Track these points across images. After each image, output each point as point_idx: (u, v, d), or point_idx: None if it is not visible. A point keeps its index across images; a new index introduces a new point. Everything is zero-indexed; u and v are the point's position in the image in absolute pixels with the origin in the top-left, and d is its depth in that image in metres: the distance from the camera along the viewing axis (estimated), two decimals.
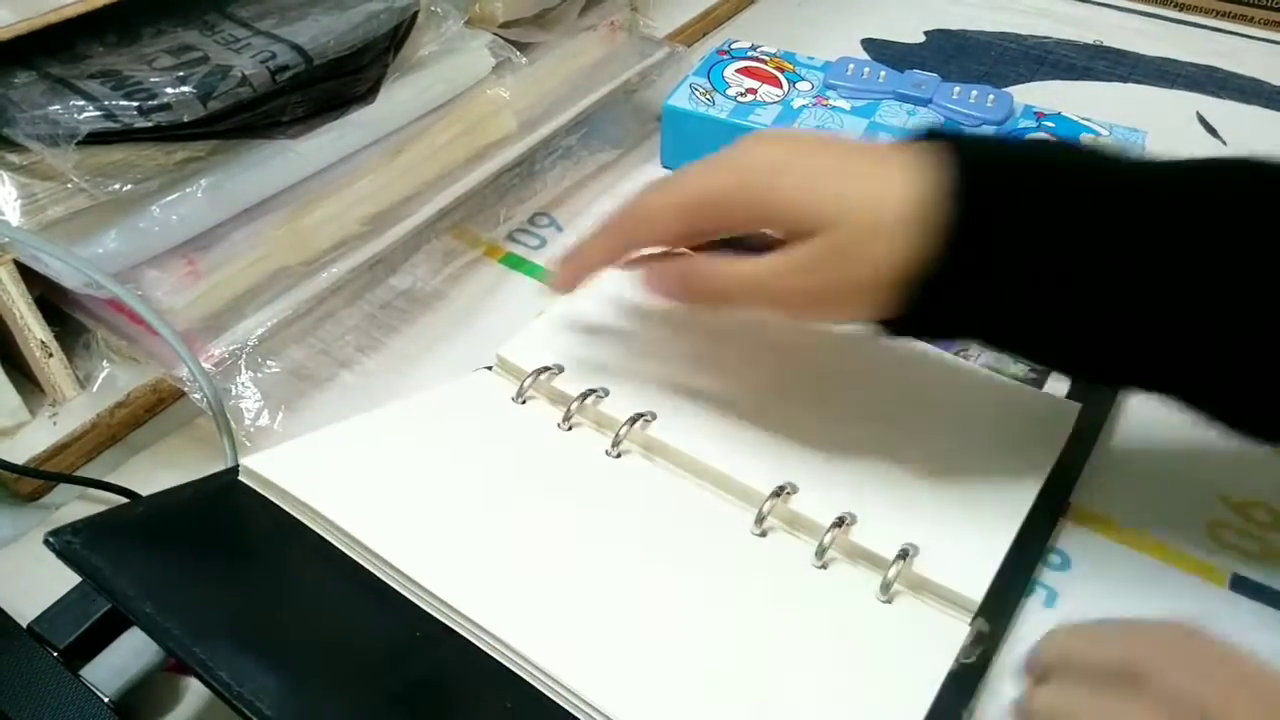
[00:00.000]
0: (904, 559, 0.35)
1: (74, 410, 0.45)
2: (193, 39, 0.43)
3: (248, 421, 0.44)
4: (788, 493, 0.38)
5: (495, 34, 0.54)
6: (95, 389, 0.45)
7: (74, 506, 0.43)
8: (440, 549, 0.34)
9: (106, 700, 0.34)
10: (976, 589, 0.35)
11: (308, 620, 0.31)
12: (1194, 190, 0.33)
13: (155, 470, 0.44)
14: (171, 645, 0.28)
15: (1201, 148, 0.40)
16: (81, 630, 0.36)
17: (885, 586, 0.35)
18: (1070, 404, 0.43)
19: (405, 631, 0.31)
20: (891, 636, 0.34)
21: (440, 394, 0.44)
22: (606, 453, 0.40)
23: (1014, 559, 0.37)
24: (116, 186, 0.39)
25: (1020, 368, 0.45)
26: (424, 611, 0.31)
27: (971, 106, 0.61)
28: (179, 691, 0.37)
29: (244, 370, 0.45)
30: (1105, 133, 0.59)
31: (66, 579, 0.37)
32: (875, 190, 0.32)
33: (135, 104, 0.38)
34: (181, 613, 0.29)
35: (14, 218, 0.38)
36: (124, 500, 0.42)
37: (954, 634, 0.34)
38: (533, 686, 0.30)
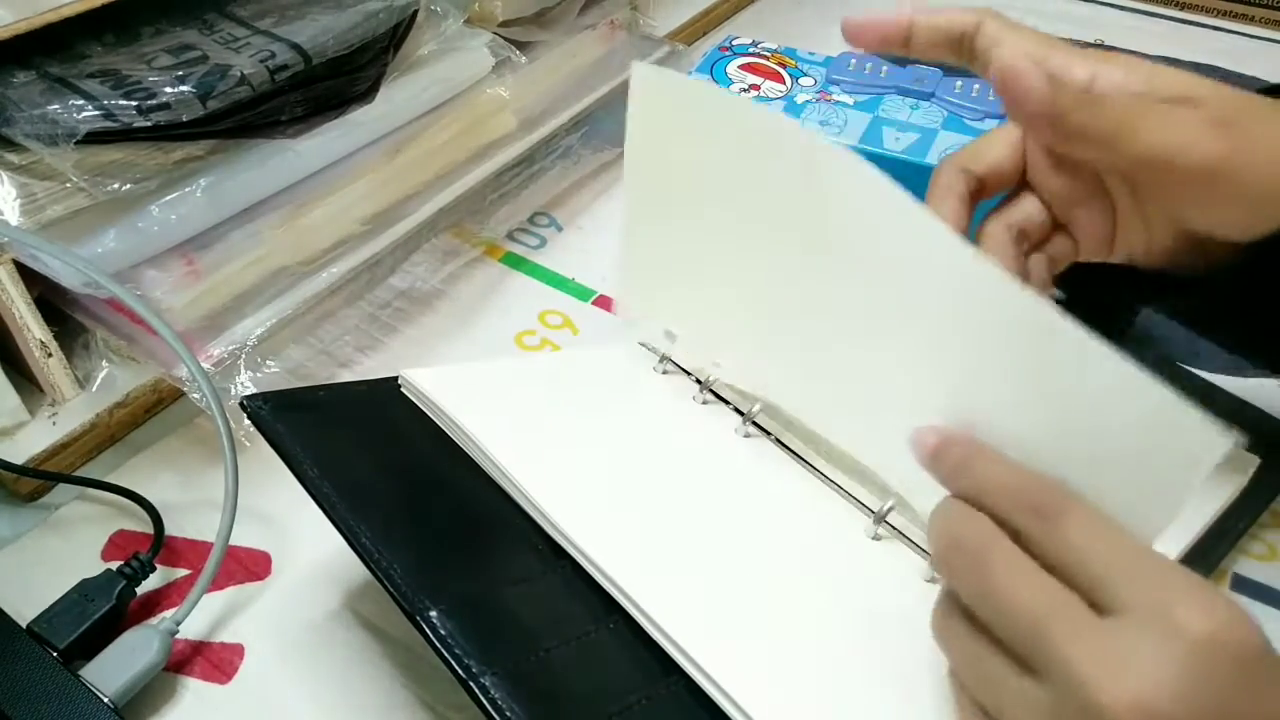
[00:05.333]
0: None
1: (73, 410, 0.45)
2: (192, 38, 0.43)
3: (247, 421, 0.44)
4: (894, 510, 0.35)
5: (495, 33, 0.54)
6: (95, 389, 0.45)
7: (74, 506, 0.43)
8: (563, 482, 0.35)
9: (106, 700, 0.34)
10: None
11: (446, 509, 0.35)
12: None
13: (155, 470, 0.44)
14: (327, 509, 0.32)
15: None
16: (81, 630, 0.36)
17: None
18: (1249, 456, 0.37)
19: (525, 539, 0.33)
20: None
21: (593, 354, 0.45)
22: (736, 430, 0.39)
23: None
24: (116, 186, 0.39)
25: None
26: (541, 528, 0.34)
27: (974, 100, 0.61)
28: (179, 691, 0.37)
29: (243, 370, 0.45)
30: None
31: (66, 579, 0.37)
32: None
33: (134, 103, 0.38)
34: (339, 482, 0.33)
35: (13, 217, 0.38)
36: (127, 500, 0.42)
37: None
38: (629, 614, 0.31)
